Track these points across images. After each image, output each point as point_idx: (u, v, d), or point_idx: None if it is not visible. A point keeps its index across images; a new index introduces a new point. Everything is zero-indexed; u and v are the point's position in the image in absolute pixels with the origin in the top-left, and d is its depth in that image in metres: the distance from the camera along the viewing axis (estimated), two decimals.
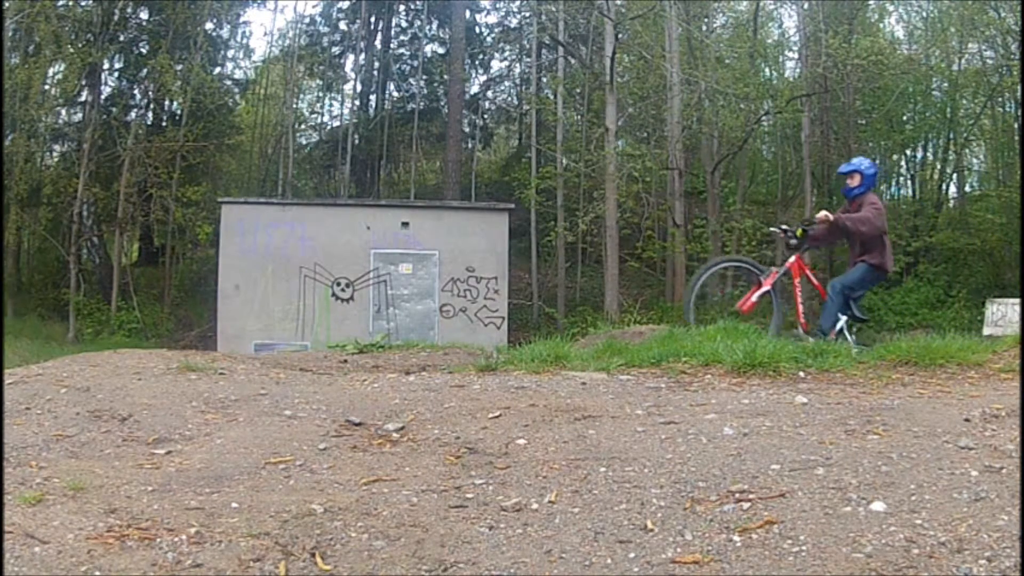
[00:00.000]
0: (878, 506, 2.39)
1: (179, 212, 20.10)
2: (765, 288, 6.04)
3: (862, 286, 6.21)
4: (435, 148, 28.26)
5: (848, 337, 5.94)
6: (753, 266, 6.45)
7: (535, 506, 2.59)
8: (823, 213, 6.13)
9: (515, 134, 29.79)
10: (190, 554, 2.23)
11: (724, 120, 18.22)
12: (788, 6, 22.55)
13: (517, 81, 28.62)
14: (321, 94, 29.10)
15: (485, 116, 28.86)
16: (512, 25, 28.27)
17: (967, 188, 24.14)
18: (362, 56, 27.06)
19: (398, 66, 28.64)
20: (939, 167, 22.86)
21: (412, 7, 28.60)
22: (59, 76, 20.41)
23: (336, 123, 28.51)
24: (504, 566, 2.21)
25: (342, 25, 27.81)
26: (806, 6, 20.50)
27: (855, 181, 6.15)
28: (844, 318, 6.02)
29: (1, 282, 17.99)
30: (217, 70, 24.47)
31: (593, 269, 22.21)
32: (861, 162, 6.29)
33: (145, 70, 21.28)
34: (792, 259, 6.20)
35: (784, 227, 6.41)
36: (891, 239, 21.55)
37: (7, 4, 17.72)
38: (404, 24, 29.13)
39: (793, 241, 6.20)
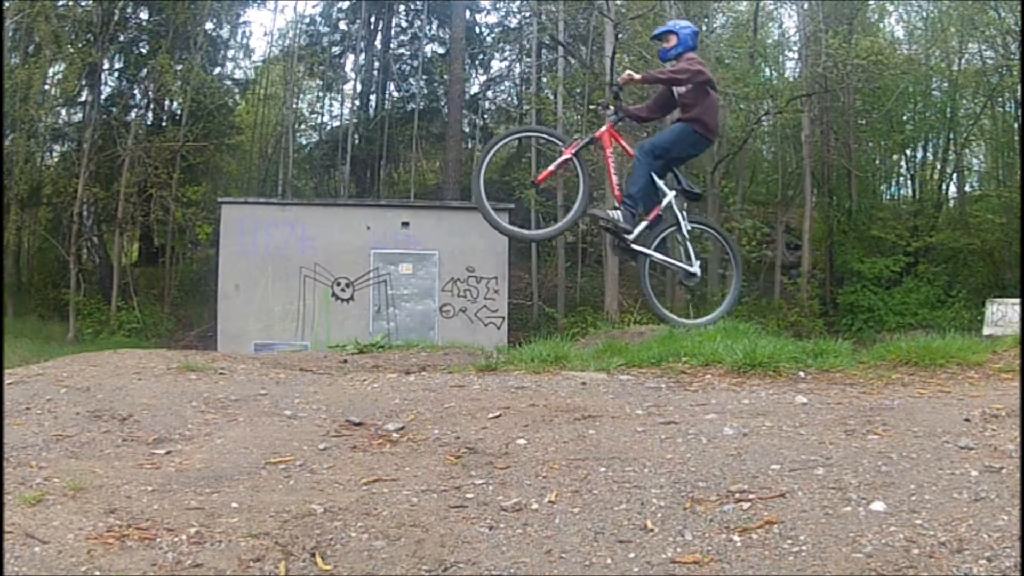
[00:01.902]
0: (878, 506, 2.39)
1: (179, 212, 20.10)
2: (565, 157, 5.28)
3: (678, 147, 5.34)
4: (435, 148, 28.25)
5: (679, 215, 5.27)
6: (553, 136, 5.83)
7: (535, 506, 2.59)
8: (627, 73, 5.38)
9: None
10: (190, 554, 2.23)
11: (724, 120, 18.21)
12: (788, 6, 22.59)
13: (517, 81, 28.60)
14: (321, 94, 29.10)
15: (485, 116, 28.85)
16: (512, 25, 28.26)
17: (967, 188, 24.16)
18: (362, 56, 27.06)
19: (398, 66, 28.63)
20: (939, 167, 22.88)
21: (412, 7, 28.60)
22: (59, 76, 20.41)
23: (336, 123, 28.52)
24: (504, 566, 2.21)
25: (342, 25, 27.81)
26: (806, 6, 20.52)
27: (671, 42, 5.42)
28: (672, 193, 5.24)
29: (1, 282, 17.99)
30: (217, 70, 24.47)
31: (593, 269, 22.20)
32: (676, 23, 5.63)
33: (145, 70, 21.27)
34: (603, 128, 5.46)
35: (602, 101, 5.65)
36: (889, 238, 21.07)
37: (7, 4, 17.72)
38: (404, 24, 29.13)
39: (608, 112, 5.48)
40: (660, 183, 5.27)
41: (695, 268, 5.23)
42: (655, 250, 5.22)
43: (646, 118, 5.82)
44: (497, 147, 5.72)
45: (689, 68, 5.17)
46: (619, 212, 5.14)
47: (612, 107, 5.47)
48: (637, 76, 5.30)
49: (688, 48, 5.35)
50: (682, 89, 5.27)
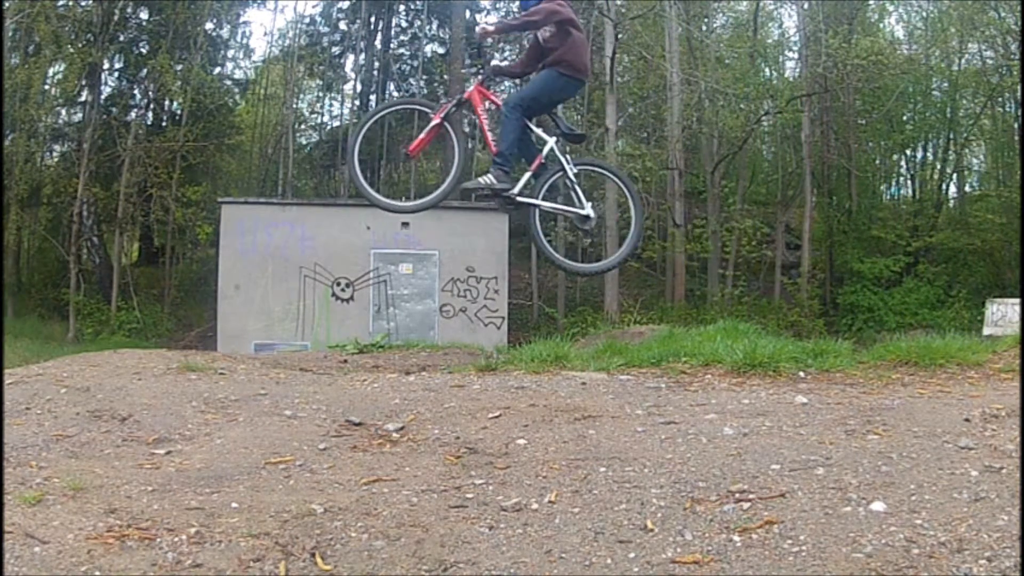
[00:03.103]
0: (878, 506, 2.39)
1: (179, 212, 20.08)
2: (434, 123, 5.12)
3: (546, 94, 5.12)
4: (435, 148, 28.21)
5: (563, 159, 5.10)
6: (420, 104, 5.66)
7: (535, 506, 2.59)
8: (481, 27, 5.26)
9: None
10: (190, 554, 2.23)
11: (724, 120, 18.21)
12: (788, 6, 22.54)
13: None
14: (321, 94, 29.07)
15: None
16: None
17: (967, 188, 24.13)
18: (362, 56, 27.05)
19: (398, 66, 28.61)
20: (939, 167, 22.86)
21: (412, 7, 28.57)
22: (59, 76, 20.39)
23: (336, 123, 28.49)
24: (504, 566, 2.21)
25: (342, 25, 27.79)
26: (806, 6, 20.49)
27: None
28: (552, 139, 5.09)
29: (1, 282, 17.98)
30: (217, 70, 24.44)
31: None
32: None
33: (145, 70, 21.24)
34: (470, 87, 5.25)
35: (475, 61, 5.68)
36: (889, 238, 20.81)
37: (7, 4, 17.71)
38: (404, 24, 29.10)
39: (474, 69, 5.44)
40: (538, 131, 5.15)
41: (588, 211, 5.10)
42: (543, 199, 5.09)
43: (520, 73, 5.62)
44: (368, 124, 5.64)
45: (544, 8, 4.98)
46: (490, 175, 5.02)
47: (477, 65, 5.43)
48: (491, 27, 5.22)
49: None
50: (546, 34, 5.11)
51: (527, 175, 5.09)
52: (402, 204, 6.08)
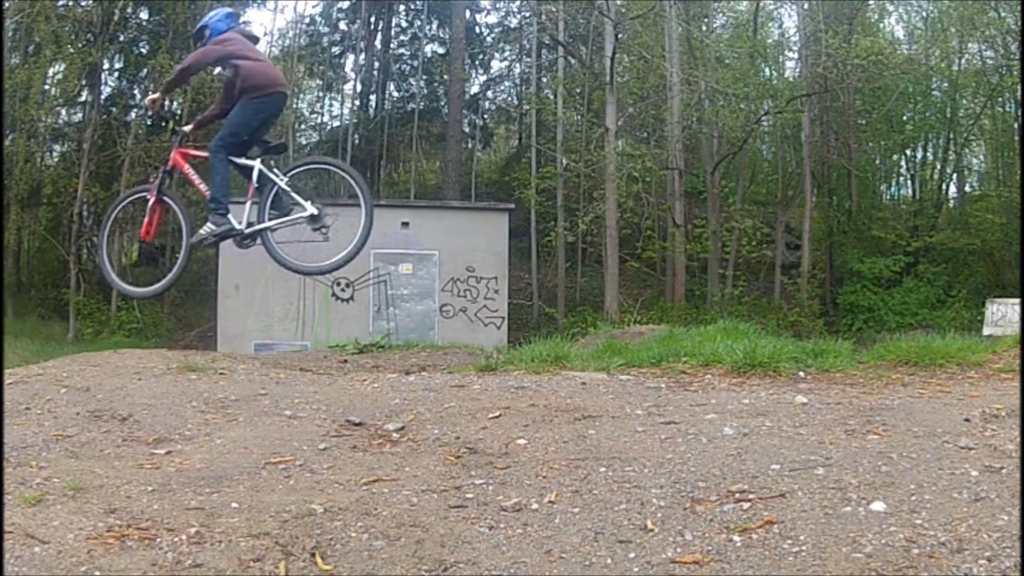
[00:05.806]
0: (878, 506, 2.39)
1: None
2: (151, 200, 5.25)
3: (246, 125, 5.13)
4: (435, 148, 28.23)
5: (271, 174, 5.09)
6: (138, 192, 5.76)
7: (535, 506, 2.59)
8: (148, 99, 5.45)
9: (515, 134, 29.75)
10: (190, 554, 2.23)
11: (724, 120, 18.20)
12: (788, 6, 22.54)
13: (517, 81, 28.57)
14: (321, 94, 29.08)
15: (485, 116, 28.82)
16: (512, 25, 28.24)
17: (967, 188, 24.13)
18: (362, 56, 27.06)
19: (398, 66, 28.62)
20: (939, 167, 22.86)
21: (412, 7, 28.58)
22: (59, 76, 20.39)
23: (336, 123, 28.49)
24: (504, 566, 2.21)
25: (342, 25, 27.80)
26: (806, 6, 20.50)
27: (205, 35, 5.26)
28: (257, 161, 5.12)
29: (1, 282, 17.98)
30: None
31: (593, 269, 22.19)
32: (210, 15, 5.38)
33: (145, 70, 21.25)
34: (171, 155, 5.38)
35: (176, 128, 5.58)
36: (889, 238, 20.79)
37: (7, 4, 17.71)
38: (404, 24, 29.10)
39: (174, 137, 5.46)
40: (242, 160, 5.16)
41: (311, 209, 5.05)
42: (269, 219, 5.13)
43: (221, 113, 5.55)
44: (108, 226, 5.95)
45: (192, 57, 5.15)
46: (209, 223, 5.14)
47: (173, 129, 5.53)
48: (157, 95, 5.37)
49: (218, 33, 5.18)
50: (227, 73, 5.18)
51: (248, 204, 5.18)
52: (140, 290, 6.40)
